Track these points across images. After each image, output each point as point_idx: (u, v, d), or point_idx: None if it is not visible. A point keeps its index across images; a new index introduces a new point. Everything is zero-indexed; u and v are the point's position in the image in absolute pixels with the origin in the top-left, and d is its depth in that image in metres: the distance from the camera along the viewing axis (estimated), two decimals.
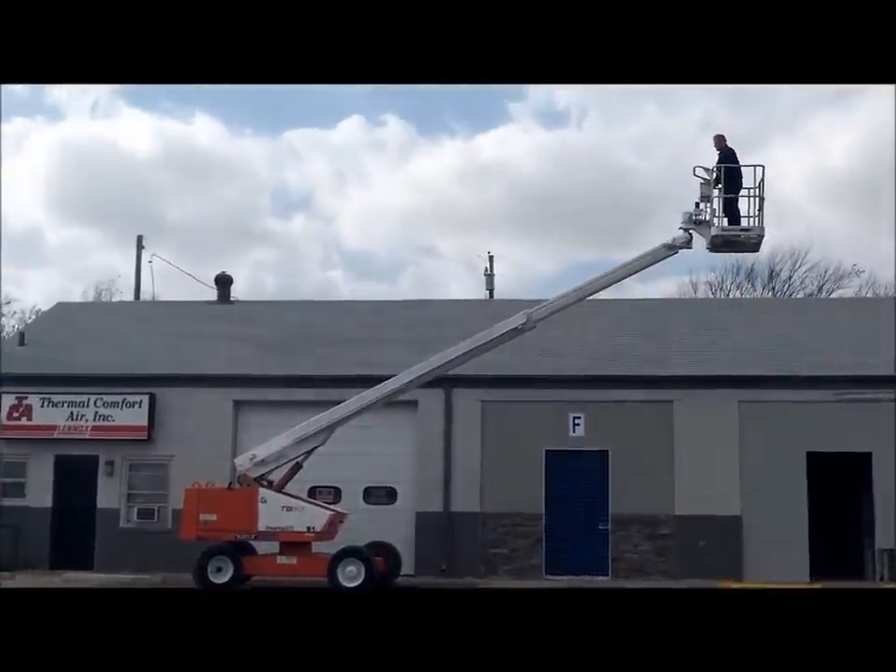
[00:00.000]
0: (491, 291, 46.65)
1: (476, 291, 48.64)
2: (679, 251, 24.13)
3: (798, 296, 61.25)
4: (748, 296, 62.03)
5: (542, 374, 28.06)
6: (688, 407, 27.21)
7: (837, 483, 27.59)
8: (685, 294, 63.80)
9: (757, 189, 23.67)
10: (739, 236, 23.94)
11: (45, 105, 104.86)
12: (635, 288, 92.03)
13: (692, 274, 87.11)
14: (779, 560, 25.94)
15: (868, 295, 59.01)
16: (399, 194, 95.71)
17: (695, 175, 23.73)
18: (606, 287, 24.88)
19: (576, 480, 27.33)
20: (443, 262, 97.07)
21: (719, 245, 24.04)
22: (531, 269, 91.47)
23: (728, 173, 23.65)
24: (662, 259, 24.46)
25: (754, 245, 24.31)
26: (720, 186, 23.67)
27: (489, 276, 47.95)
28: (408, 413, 27.73)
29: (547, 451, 27.43)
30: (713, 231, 23.66)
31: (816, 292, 62.13)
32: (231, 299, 37.66)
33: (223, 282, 37.65)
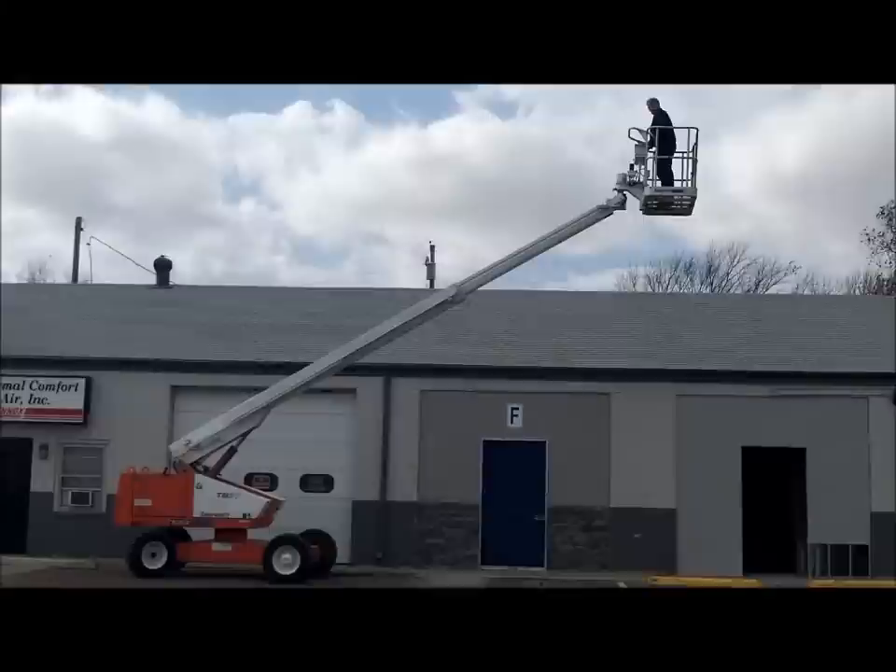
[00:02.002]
0: (432, 281, 46.68)
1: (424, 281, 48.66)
2: (613, 212, 24.20)
3: (736, 291, 61.80)
4: (686, 290, 62.51)
5: (482, 365, 28.05)
6: (625, 400, 27.32)
7: (771, 478, 27.85)
8: (624, 287, 64.28)
9: (691, 152, 23.79)
10: (672, 197, 24.06)
11: None
12: (575, 280, 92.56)
13: (631, 268, 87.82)
14: (713, 553, 26.16)
15: (805, 292, 59.70)
16: (349, 181, 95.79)
17: (630, 137, 23.86)
18: (539, 252, 24.67)
19: (513, 471, 27.33)
20: (391, 250, 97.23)
21: (652, 206, 24.14)
22: (481, 260, 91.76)
23: (661, 135, 23.76)
24: (595, 222, 24.38)
25: (687, 208, 24.35)
26: (654, 148, 23.80)
27: (430, 266, 48.02)
28: (346, 402, 27.68)
29: (485, 441, 27.44)
30: (646, 192, 23.75)
31: (753, 288, 62.75)
32: (170, 283, 37.46)
33: (162, 266, 37.44)
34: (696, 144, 23.72)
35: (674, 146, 23.91)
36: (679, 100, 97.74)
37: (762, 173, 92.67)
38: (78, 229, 47.17)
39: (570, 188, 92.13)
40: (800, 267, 79.56)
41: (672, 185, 23.92)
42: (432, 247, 49.81)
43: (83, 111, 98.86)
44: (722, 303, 39.06)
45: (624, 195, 24.10)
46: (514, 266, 24.81)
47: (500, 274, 24.88)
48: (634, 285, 65.07)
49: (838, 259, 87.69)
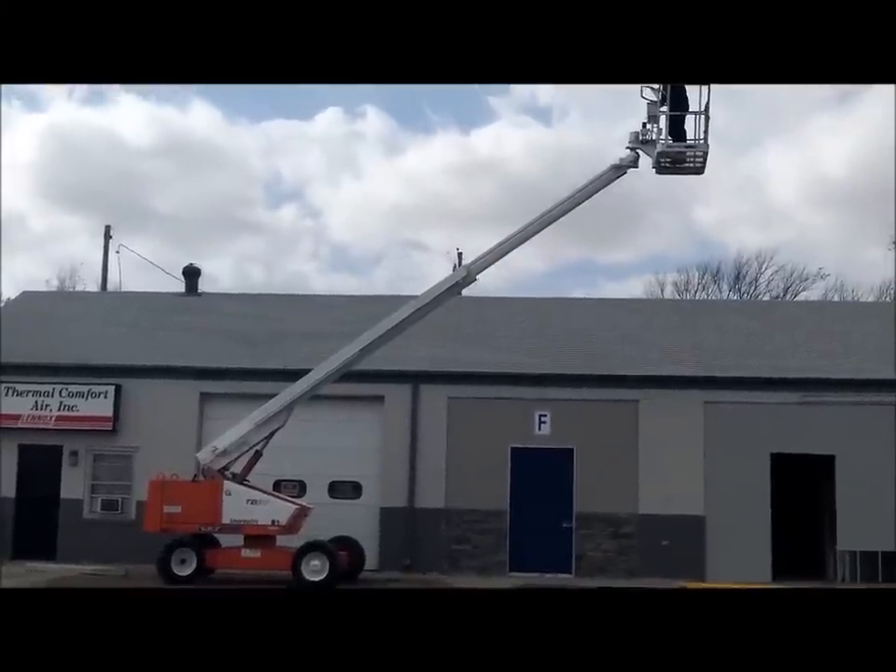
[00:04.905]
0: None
1: None
2: (627, 171, 24.10)
3: (764, 298, 61.58)
4: (714, 297, 62.33)
5: (509, 372, 28.06)
6: (653, 407, 27.28)
7: (800, 485, 27.75)
8: (651, 294, 64.13)
9: (703, 110, 23.46)
10: (685, 154, 23.87)
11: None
12: (603, 287, 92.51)
13: (659, 274, 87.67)
14: (742, 560, 26.06)
15: (834, 298, 59.45)
16: (387, 188, 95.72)
17: (643, 96, 23.72)
18: (554, 220, 24.50)
19: (541, 477, 27.34)
20: (430, 257, 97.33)
21: (665, 164, 23.99)
22: (517, 266, 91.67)
23: (674, 92, 23.55)
24: (610, 183, 24.26)
25: (700, 166, 24.09)
26: (665, 106, 23.65)
27: None
28: (375, 409, 27.73)
29: (513, 448, 27.44)
30: (659, 149, 23.60)
31: (782, 294, 62.51)
32: (199, 291, 37.59)
33: (191, 274, 37.56)
34: (709, 102, 23.45)
35: (686, 105, 23.71)
36: (722, 103, 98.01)
37: (804, 180, 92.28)
38: (107, 237, 47.41)
39: (610, 194, 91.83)
40: (829, 274, 79.21)
41: (684, 142, 23.83)
42: (460, 255, 50.03)
43: (125, 117, 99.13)
44: (751, 309, 38.93)
45: (637, 153, 23.99)
46: (524, 240, 24.61)
47: (510, 251, 24.59)
48: (662, 291, 64.92)
49: (873, 266, 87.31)
